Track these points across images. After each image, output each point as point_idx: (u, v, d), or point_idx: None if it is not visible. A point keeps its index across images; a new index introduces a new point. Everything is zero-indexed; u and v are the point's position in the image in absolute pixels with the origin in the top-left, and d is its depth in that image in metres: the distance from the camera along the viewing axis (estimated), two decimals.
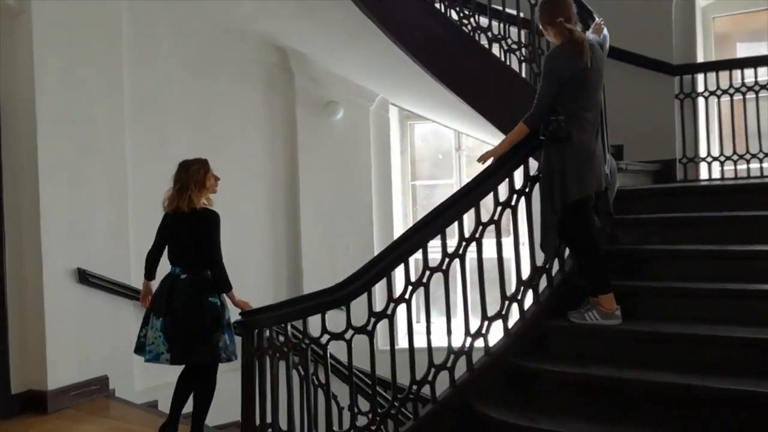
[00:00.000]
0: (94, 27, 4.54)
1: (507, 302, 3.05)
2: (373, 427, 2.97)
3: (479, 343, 3.03)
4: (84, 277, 4.41)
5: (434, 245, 2.99)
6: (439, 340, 2.99)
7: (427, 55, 4.16)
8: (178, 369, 3.95)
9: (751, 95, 4.76)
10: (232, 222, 5.26)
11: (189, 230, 3.68)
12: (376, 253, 3.46)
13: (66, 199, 4.36)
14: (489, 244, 3.03)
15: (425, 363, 2.97)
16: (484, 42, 4.23)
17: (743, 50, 5.46)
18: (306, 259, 5.99)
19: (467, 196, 3.03)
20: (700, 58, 5.21)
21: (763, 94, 4.77)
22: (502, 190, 3.07)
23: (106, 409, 4.33)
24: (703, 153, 5.00)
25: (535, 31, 3.86)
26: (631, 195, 3.78)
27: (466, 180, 6.40)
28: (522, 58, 4.19)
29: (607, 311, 2.96)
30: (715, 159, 4.91)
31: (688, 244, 3.33)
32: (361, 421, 3.06)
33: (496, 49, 4.24)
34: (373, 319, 2.98)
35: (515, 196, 3.07)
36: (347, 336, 2.98)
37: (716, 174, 4.92)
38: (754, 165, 4.79)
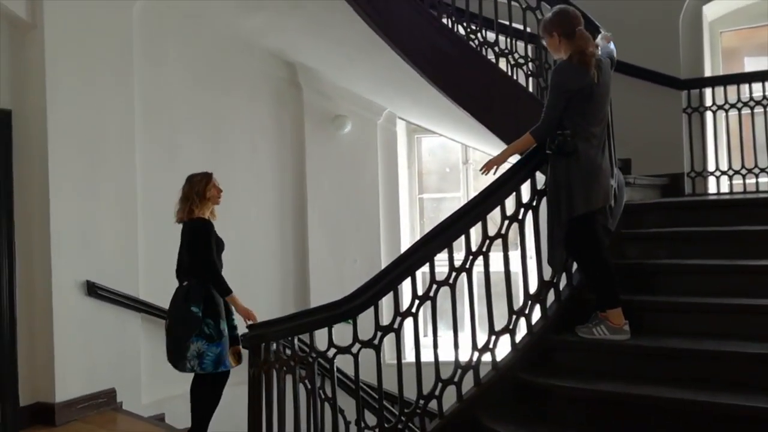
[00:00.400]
0: (106, 41, 4.60)
1: (514, 316, 3.04)
2: None
3: (486, 357, 3.02)
4: (93, 290, 4.43)
5: (441, 259, 2.99)
6: (447, 355, 2.98)
7: (434, 70, 4.19)
8: (185, 383, 3.97)
9: (759, 109, 4.75)
10: (241, 234, 5.32)
11: (183, 240, 3.88)
12: (383, 267, 3.47)
13: (76, 212, 4.39)
14: (496, 257, 3.03)
15: (432, 377, 2.96)
16: (491, 57, 4.25)
17: (751, 65, 5.46)
18: (313, 272, 6.00)
19: (474, 210, 3.04)
20: (708, 73, 5.22)
21: None
22: (510, 204, 3.07)
23: (113, 422, 4.33)
24: (711, 167, 4.99)
25: (542, 45, 3.87)
26: (639, 209, 3.77)
27: (473, 193, 6.42)
28: (529, 72, 4.21)
29: (615, 326, 2.94)
30: (723, 173, 4.90)
31: (696, 258, 3.32)
32: None
33: (503, 64, 4.26)
34: (380, 333, 2.97)
35: (522, 210, 3.07)
36: (354, 350, 2.98)
37: (724, 188, 4.91)
38: (763, 179, 4.77)
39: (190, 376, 3.92)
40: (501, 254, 3.05)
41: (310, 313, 3.25)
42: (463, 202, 6.12)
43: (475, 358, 3.00)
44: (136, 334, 4.69)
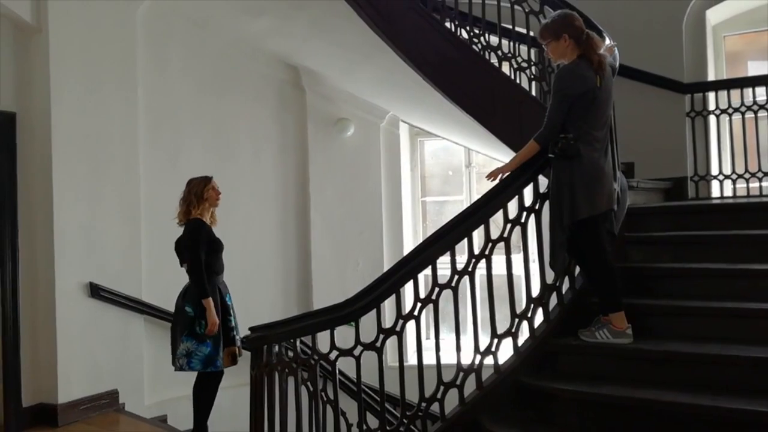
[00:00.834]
0: (110, 44, 4.62)
1: (517, 320, 3.04)
2: None
3: (489, 360, 3.01)
4: (96, 292, 4.44)
5: (444, 262, 2.99)
6: (449, 358, 2.98)
7: (436, 74, 4.19)
8: (188, 384, 3.98)
9: (762, 113, 4.76)
10: (244, 237, 5.33)
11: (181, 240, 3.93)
12: (385, 269, 3.47)
13: (79, 214, 4.40)
14: (499, 261, 3.03)
15: (434, 380, 2.96)
16: (494, 60, 4.26)
17: (754, 68, 5.46)
18: (316, 275, 6.00)
19: (477, 213, 3.04)
20: (711, 77, 5.22)
21: None
22: (512, 207, 3.07)
23: (116, 423, 4.34)
24: (714, 171, 4.99)
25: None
26: (643, 213, 3.76)
27: (476, 196, 6.42)
28: (532, 76, 4.22)
29: (618, 330, 2.94)
30: (726, 177, 4.89)
31: (699, 262, 3.31)
32: None
33: (506, 68, 4.27)
34: (382, 336, 2.97)
35: (525, 213, 3.07)
36: (356, 352, 2.98)
37: (728, 192, 4.91)
38: (766, 183, 4.77)
39: (192, 377, 3.93)
40: (503, 257, 3.06)
41: (313, 316, 3.25)
42: (465, 205, 6.12)
43: (477, 362, 2.99)
44: (138, 336, 4.70)
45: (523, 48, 4.27)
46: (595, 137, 2.95)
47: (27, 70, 4.32)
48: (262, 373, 3.25)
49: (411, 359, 4.70)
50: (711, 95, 5.01)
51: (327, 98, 6.06)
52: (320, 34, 5.02)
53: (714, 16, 5.27)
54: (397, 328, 2.97)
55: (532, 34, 4.15)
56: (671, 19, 5.13)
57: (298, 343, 3.20)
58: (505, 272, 3.06)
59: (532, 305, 3.06)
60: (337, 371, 3.06)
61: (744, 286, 3.07)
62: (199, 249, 3.80)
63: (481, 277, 3.04)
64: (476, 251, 2.99)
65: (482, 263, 3.00)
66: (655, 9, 5.13)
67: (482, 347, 3.00)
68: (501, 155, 5.16)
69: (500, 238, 3.02)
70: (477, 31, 4.27)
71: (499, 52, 4.22)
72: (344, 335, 3.03)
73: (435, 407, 2.97)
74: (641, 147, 4.57)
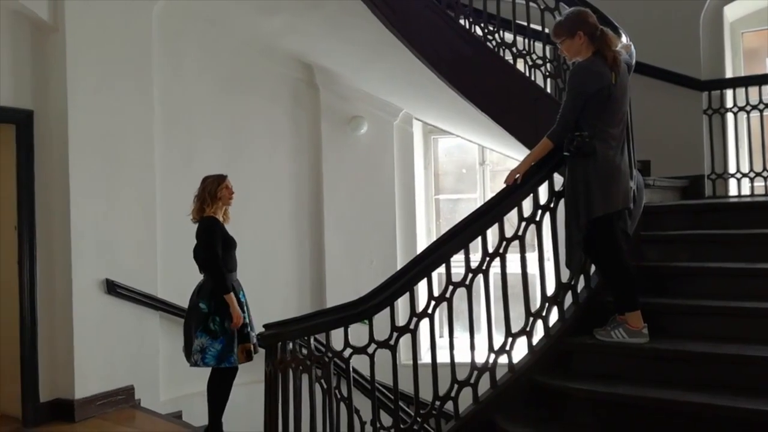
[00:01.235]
0: (125, 45, 4.66)
1: (531, 319, 3.02)
2: None
3: (503, 359, 3.00)
4: (112, 288, 4.48)
5: (458, 260, 2.98)
6: (463, 356, 2.97)
7: (451, 71, 4.18)
8: (203, 380, 4.01)
9: None
10: (258, 235, 5.35)
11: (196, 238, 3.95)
12: (399, 267, 3.46)
13: (96, 211, 4.45)
14: (513, 259, 3.01)
15: (448, 378, 2.96)
16: (508, 57, 4.24)
17: None
18: (329, 273, 6.01)
19: (491, 211, 3.02)
20: (729, 74, 5.15)
21: None
22: (527, 205, 3.05)
23: (131, 419, 4.38)
24: (732, 169, 4.93)
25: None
26: (659, 211, 3.73)
27: (489, 194, 6.40)
28: (547, 73, 4.19)
29: (634, 329, 2.91)
30: (744, 175, 4.83)
31: (717, 261, 3.27)
32: None
33: (520, 65, 4.24)
34: (395, 334, 2.97)
35: (540, 211, 3.05)
36: (370, 350, 2.97)
37: (746, 190, 4.85)
38: None
39: (207, 374, 3.95)
40: (518, 256, 3.04)
41: (327, 313, 3.26)
42: (479, 203, 6.11)
43: (491, 360, 2.98)
44: (154, 332, 4.74)
45: (538, 45, 4.24)
46: (610, 135, 2.92)
47: (44, 68, 4.36)
48: (276, 370, 3.27)
49: (425, 357, 4.71)
50: (729, 92, 4.95)
51: (341, 96, 6.06)
52: (334, 32, 5.03)
53: (732, 12, 5.21)
54: (411, 326, 2.96)
55: (547, 30, 4.13)
56: (688, 16, 5.08)
57: (312, 340, 3.21)
58: (519, 271, 3.04)
59: (546, 304, 3.05)
60: (351, 369, 3.06)
61: (762, 286, 3.03)
62: (216, 246, 3.83)
63: (495, 276, 3.03)
64: (491, 250, 2.98)
65: (496, 261, 2.99)
66: (672, 6, 5.08)
67: (496, 346, 2.99)
68: (515, 153, 5.14)
69: (515, 237, 3.01)
70: (491, 28, 4.25)
71: (514, 49, 4.20)
72: (358, 333, 3.03)
73: (449, 406, 2.97)
74: (658, 145, 4.53)
